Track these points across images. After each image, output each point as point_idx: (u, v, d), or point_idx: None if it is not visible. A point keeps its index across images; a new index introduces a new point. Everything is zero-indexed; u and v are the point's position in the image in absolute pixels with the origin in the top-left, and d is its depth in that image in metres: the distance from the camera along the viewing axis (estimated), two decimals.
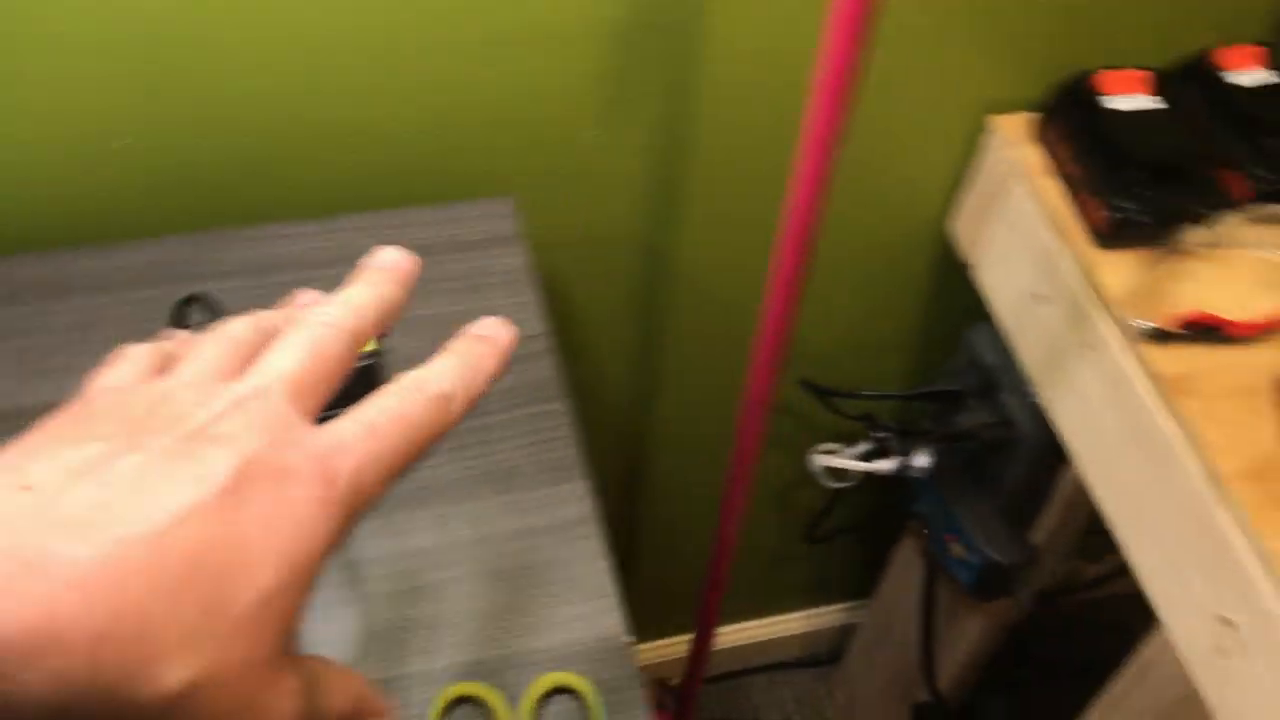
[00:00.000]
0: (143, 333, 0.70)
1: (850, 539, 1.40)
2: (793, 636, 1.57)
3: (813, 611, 1.56)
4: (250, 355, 0.33)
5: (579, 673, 0.59)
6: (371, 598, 0.62)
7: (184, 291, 0.73)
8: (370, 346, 0.65)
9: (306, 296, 0.37)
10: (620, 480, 1.18)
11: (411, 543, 0.65)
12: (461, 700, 0.59)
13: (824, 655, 1.63)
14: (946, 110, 0.90)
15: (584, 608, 0.62)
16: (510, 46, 0.77)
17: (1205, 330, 0.75)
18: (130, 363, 0.34)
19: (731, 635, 1.53)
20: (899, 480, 1.03)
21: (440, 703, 0.58)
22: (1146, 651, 0.88)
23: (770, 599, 1.50)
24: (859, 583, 1.51)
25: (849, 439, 1.18)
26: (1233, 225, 0.80)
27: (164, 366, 0.34)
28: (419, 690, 0.59)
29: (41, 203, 0.76)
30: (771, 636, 1.55)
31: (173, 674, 0.26)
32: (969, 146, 0.93)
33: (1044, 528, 1.00)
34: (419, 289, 0.74)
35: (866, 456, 1.14)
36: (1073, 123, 0.82)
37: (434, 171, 0.83)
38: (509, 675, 0.60)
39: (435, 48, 0.76)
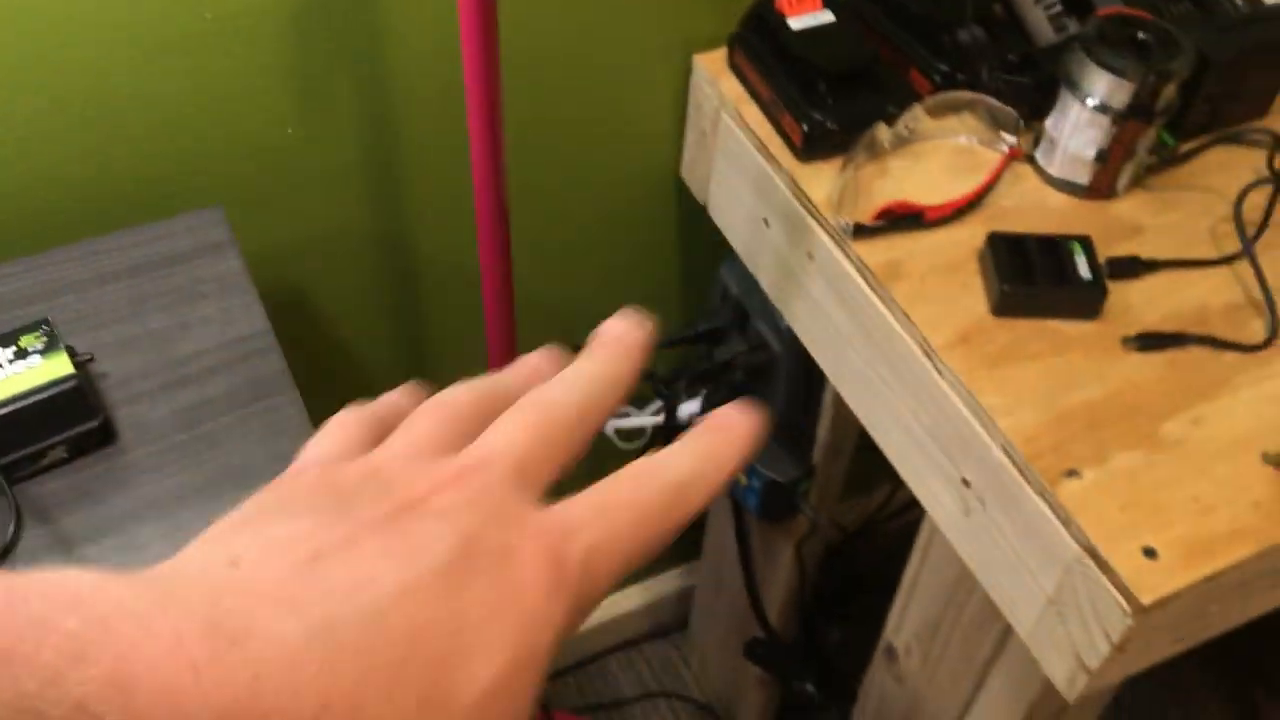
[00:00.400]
0: None
1: None
2: (636, 610, 1.58)
3: (649, 582, 1.58)
4: (470, 429, 0.30)
5: None
6: None
7: None
8: (66, 370, 0.63)
9: (532, 362, 0.34)
10: None
11: (145, 557, 0.63)
12: None
13: (671, 623, 1.65)
14: (655, 54, 0.93)
15: None
16: (183, 55, 0.76)
17: (905, 219, 0.79)
18: (341, 431, 0.31)
19: None
20: (670, 428, 1.06)
21: None
22: (922, 536, 0.93)
23: None
24: (686, 543, 1.54)
25: (639, 402, 1.21)
26: (918, 119, 0.84)
27: (378, 436, 0.31)
28: None
29: None
30: (615, 614, 1.56)
31: None
32: (682, 88, 0.96)
33: (821, 444, 1.04)
34: (134, 309, 0.73)
35: (657, 412, 1.16)
36: (759, 47, 0.86)
37: (138, 194, 0.82)
38: None
39: (106, 68, 0.74)
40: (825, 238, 0.82)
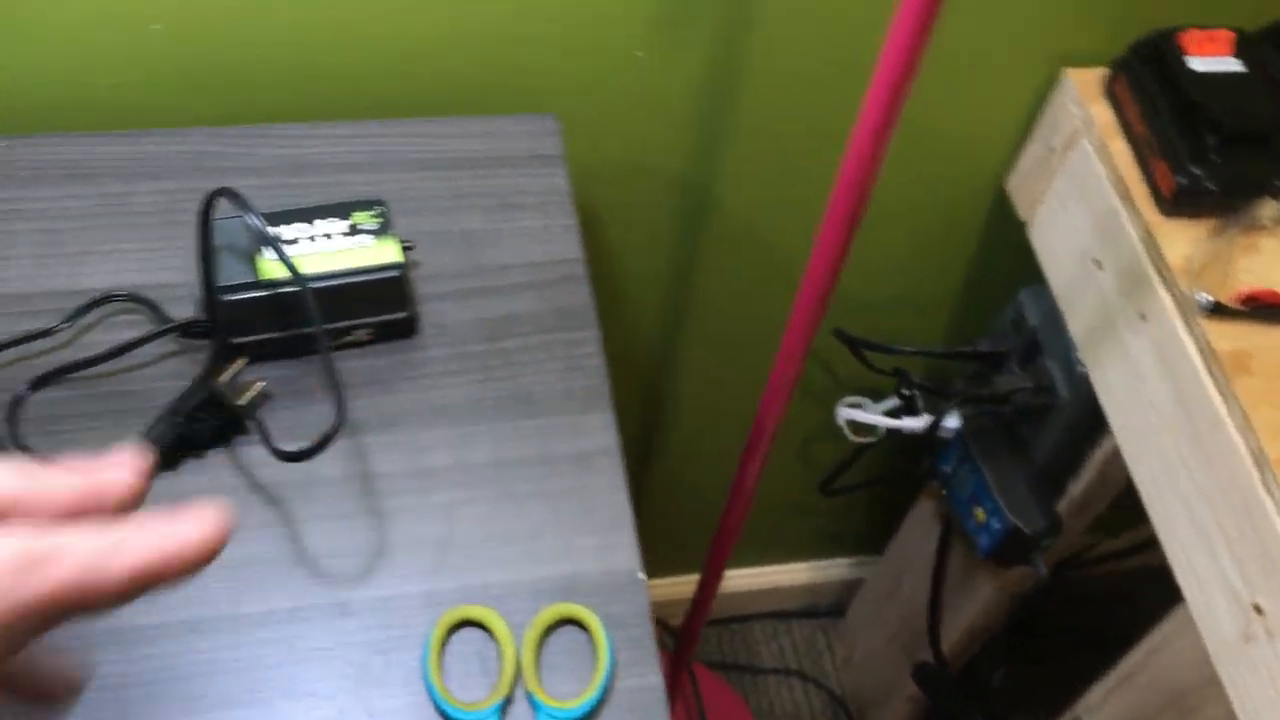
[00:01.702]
0: (166, 224, 0.68)
1: (865, 494, 1.38)
2: (797, 586, 1.56)
3: (819, 563, 1.55)
4: None
5: (588, 606, 0.58)
6: (382, 513, 0.60)
7: (212, 185, 0.71)
8: (396, 258, 0.62)
9: (111, 473, 0.32)
10: (639, 412, 1.16)
11: (427, 461, 0.63)
12: (465, 624, 0.57)
13: (826, 607, 1.62)
14: (1018, 60, 0.86)
15: (598, 540, 0.61)
16: None
17: (1267, 309, 0.72)
18: None
19: (735, 580, 1.52)
20: (923, 439, 1.01)
21: (443, 625, 0.56)
22: (1163, 630, 0.86)
23: (778, 547, 1.49)
24: (868, 538, 1.50)
25: (875, 394, 1.16)
26: None
27: None
28: (422, 611, 0.57)
29: (72, 82, 0.74)
30: (776, 585, 1.54)
31: None
32: (1037, 100, 0.89)
33: (1070, 499, 0.97)
34: (453, 203, 0.72)
35: (893, 413, 1.11)
36: (1148, 81, 0.78)
37: (473, 82, 0.80)
38: (515, 602, 0.58)
39: None
40: (1169, 303, 0.74)
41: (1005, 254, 1.00)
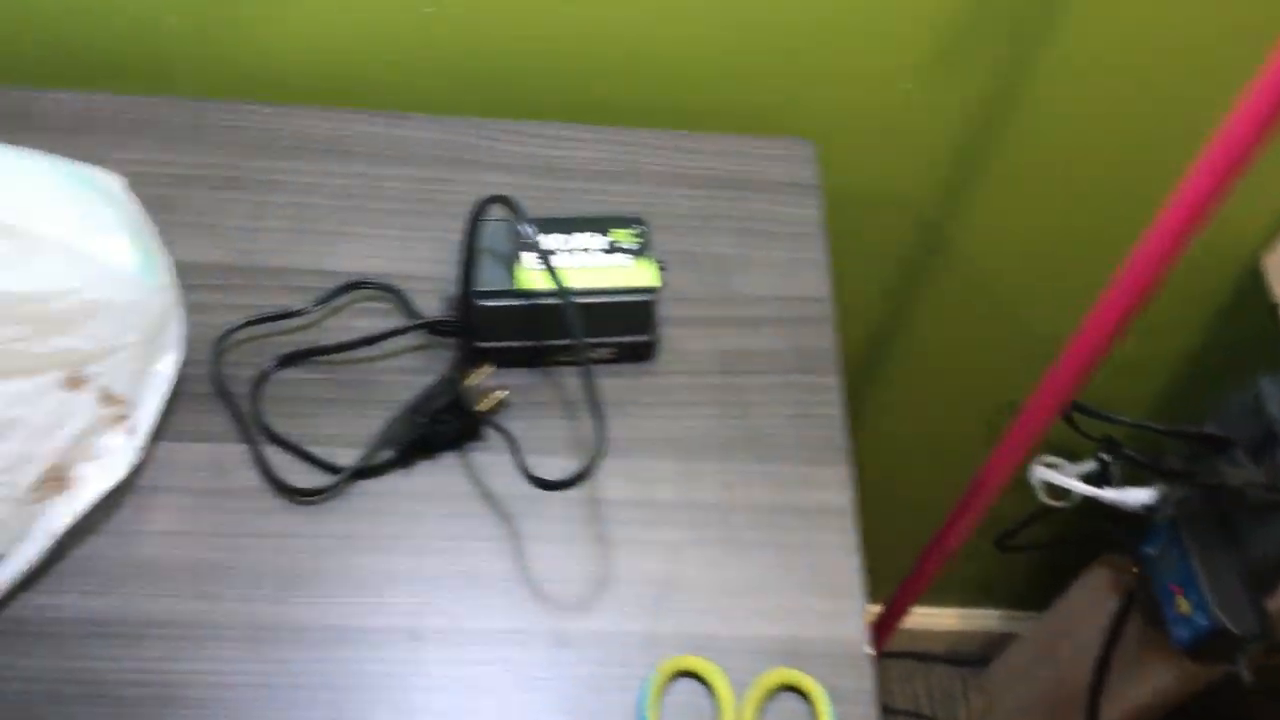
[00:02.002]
0: (416, 213, 0.68)
1: (1038, 553, 1.32)
2: (943, 631, 1.51)
3: (970, 611, 1.50)
4: None
5: (812, 674, 0.55)
6: (607, 543, 0.59)
7: (462, 177, 0.70)
8: (652, 283, 0.60)
9: None
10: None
11: (655, 493, 0.61)
12: (685, 674, 0.55)
13: (968, 656, 1.56)
14: None
15: (825, 604, 0.58)
16: None
17: None
18: None
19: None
20: (1132, 515, 0.95)
21: (664, 672, 0.54)
22: None
23: (937, 592, 1.44)
24: (1025, 593, 1.44)
25: (1069, 453, 1.10)
26: None
27: None
28: (641, 652, 0.56)
29: (337, 57, 0.74)
30: (923, 627, 1.49)
31: None
32: None
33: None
34: (704, 223, 0.70)
35: (1090, 478, 1.06)
36: None
37: (726, 96, 0.78)
38: (735, 658, 0.56)
39: None
40: None
41: (1247, 335, 0.93)
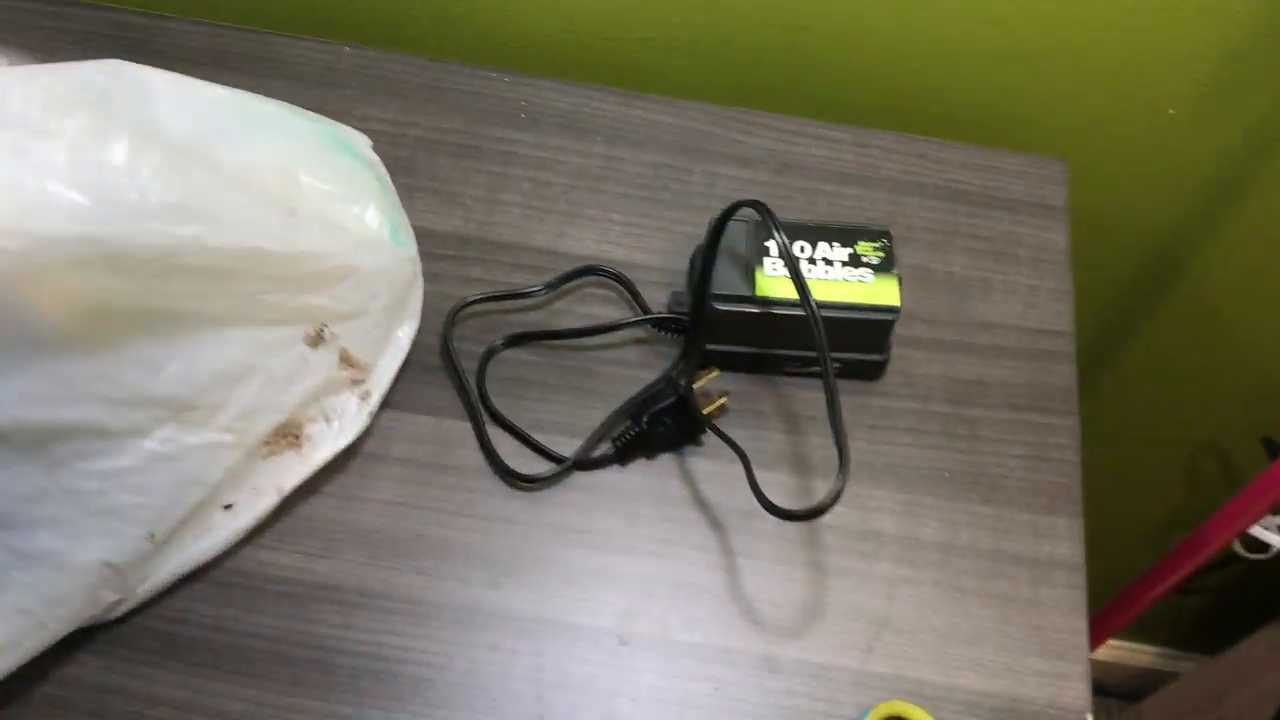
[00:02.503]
0: (649, 200, 0.66)
1: (1212, 598, 1.26)
2: (1094, 659, 1.45)
3: (1124, 643, 1.44)
4: None
5: None
6: (824, 570, 0.57)
7: (697, 166, 0.68)
8: (894, 302, 0.58)
9: None
10: None
11: (874, 523, 0.58)
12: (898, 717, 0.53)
13: (1116, 688, 1.50)
14: None
15: (1047, 665, 0.55)
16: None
17: None
18: None
19: None
20: None
21: (879, 714, 0.52)
22: None
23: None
24: (1186, 632, 1.37)
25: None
26: None
27: None
28: (851, 691, 0.54)
29: (581, 27, 0.72)
30: None
31: None
32: None
33: None
34: (943, 239, 0.67)
35: None
36: None
37: (970, 100, 0.74)
38: (949, 709, 0.53)
39: None
40: None
41: None
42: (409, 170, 0.65)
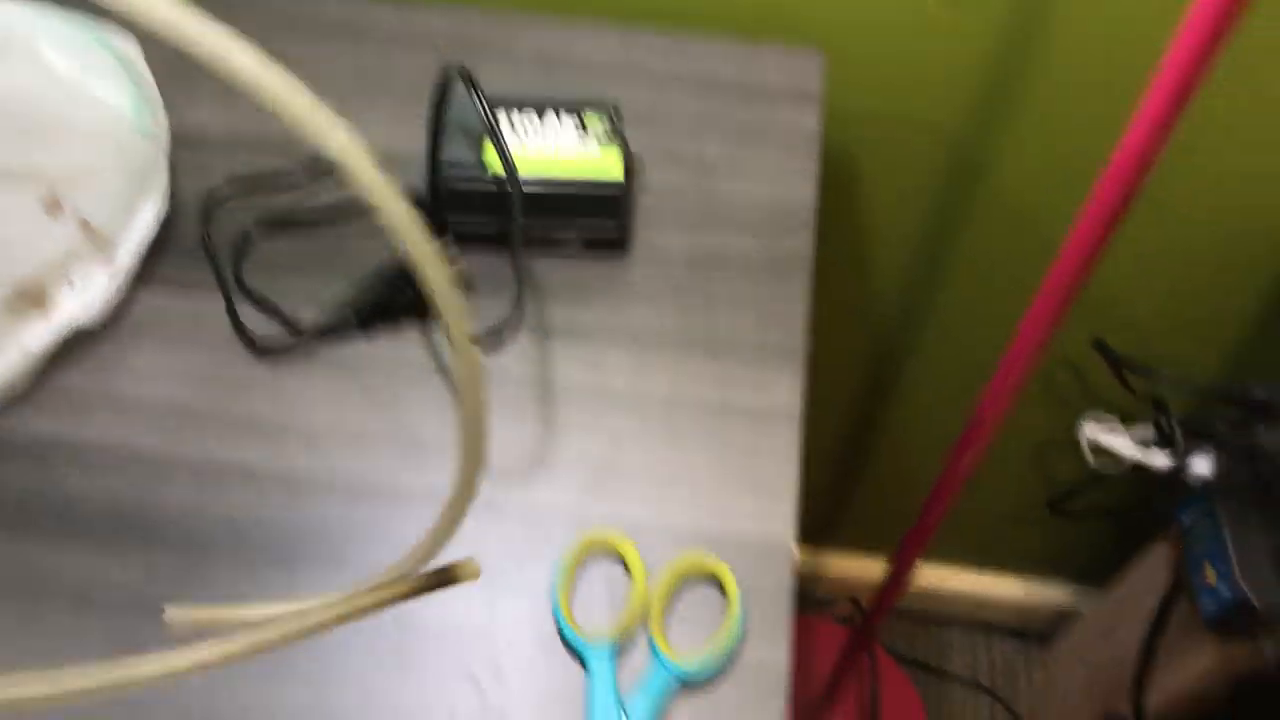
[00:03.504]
0: (420, 100, 0.69)
1: (1099, 523, 1.27)
2: (1009, 602, 1.47)
3: (1036, 584, 1.45)
4: None
5: (731, 566, 0.55)
6: (554, 424, 0.60)
7: (469, 65, 0.71)
8: (617, 175, 0.61)
9: None
10: (864, 375, 1.11)
11: (607, 381, 0.61)
12: (602, 550, 0.56)
13: (1035, 631, 1.52)
14: None
15: (757, 504, 0.58)
16: None
17: None
18: None
19: (945, 579, 1.45)
20: (1168, 480, 0.91)
21: (581, 546, 0.55)
22: None
23: (995, 556, 1.40)
24: (1094, 568, 1.39)
25: (1128, 418, 1.06)
26: None
27: None
28: (568, 528, 0.57)
29: None
30: (986, 595, 1.46)
31: None
32: None
33: None
34: (696, 124, 0.70)
35: (1145, 443, 1.01)
36: None
37: (742, 7, 0.77)
38: (657, 541, 0.56)
39: None
40: None
41: None
42: (188, 76, 0.69)
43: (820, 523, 1.39)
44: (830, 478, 1.29)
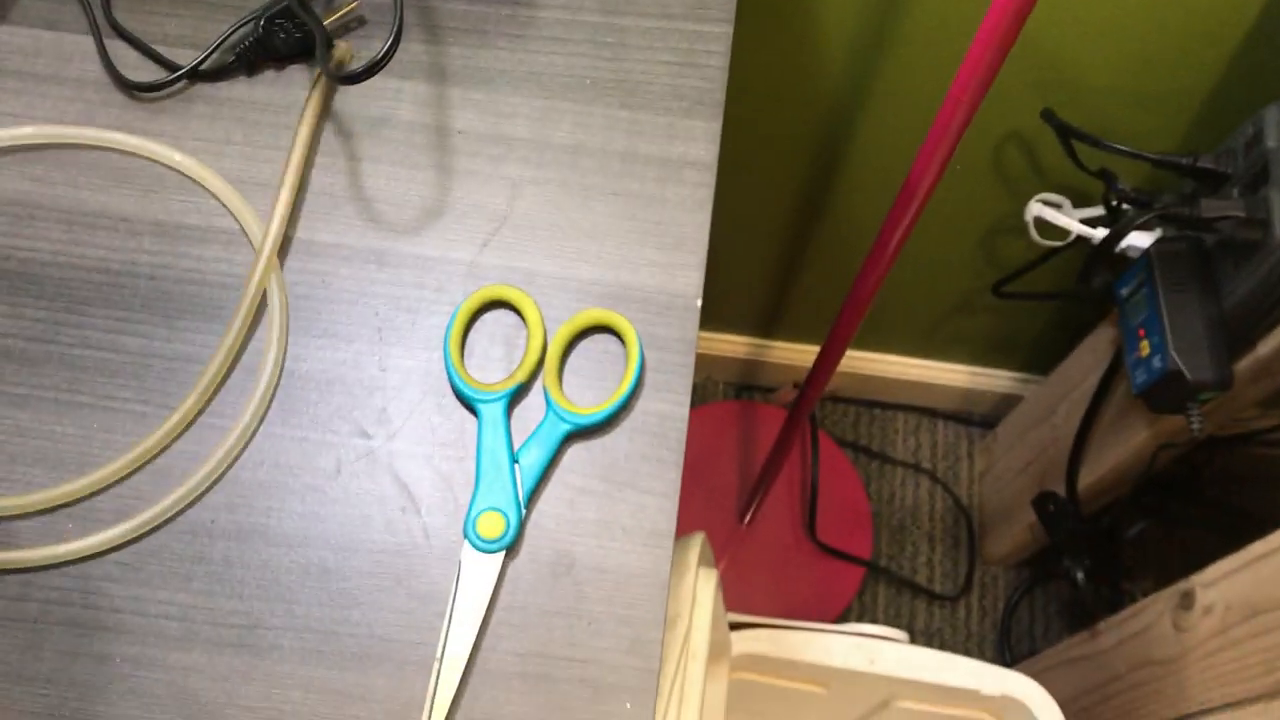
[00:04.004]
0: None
1: (1042, 307, 1.27)
2: (954, 388, 1.47)
3: (982, 370, 1.46)
4: None
5: (632, 320, 0.53)
6: (449, 171, 0.56)
7: None
8: None
9: None
10: (811, 154, 1.07)
11: (507, 128, 0.58)
12: (498, 304, 0.54)
13: (979, 417, 1.54)
14: None
15: (663, 256, 0.55)
16: None
17: None
18: None
19: (888, 365, 1.45)
20: (1107, 252, 0.89)
21: (476, 299, 0.53)
22: None
23: (940, 342, 1.40)
24: (1038, 356, 1.39)
25: (1081, 197, 1.03)
26: None
27: None
28: (461, 282, 0.54)
29: None
30: (932, 381, 1.46)
31: None
32: None
33: (1255, 359, 0.85)
34: None
35: (1091, 222, 0.99)
36: None
37: None
38: (558, 296, 0.54)
39: None
40: None
41: (1264, 65, 0.84)
42: None
43: (767, 313, 1.38)
44: (776, 269, 1.27)
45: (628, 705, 0.47)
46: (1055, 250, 1.05)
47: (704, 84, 0.59)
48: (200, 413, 0.51)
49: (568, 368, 0.53)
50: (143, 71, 0.57)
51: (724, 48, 0.60)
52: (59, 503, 0.48)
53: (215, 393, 0.51)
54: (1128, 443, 1.06)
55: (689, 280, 0.55)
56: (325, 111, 0.57)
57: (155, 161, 0.55)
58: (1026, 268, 1.11)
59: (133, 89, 0.56)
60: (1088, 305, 1.18)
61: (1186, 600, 0.92)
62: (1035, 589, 1.46)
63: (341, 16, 0.58)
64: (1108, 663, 1.06)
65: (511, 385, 0.51)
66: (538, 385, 0.52)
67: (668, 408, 0.52)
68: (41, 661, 0.47)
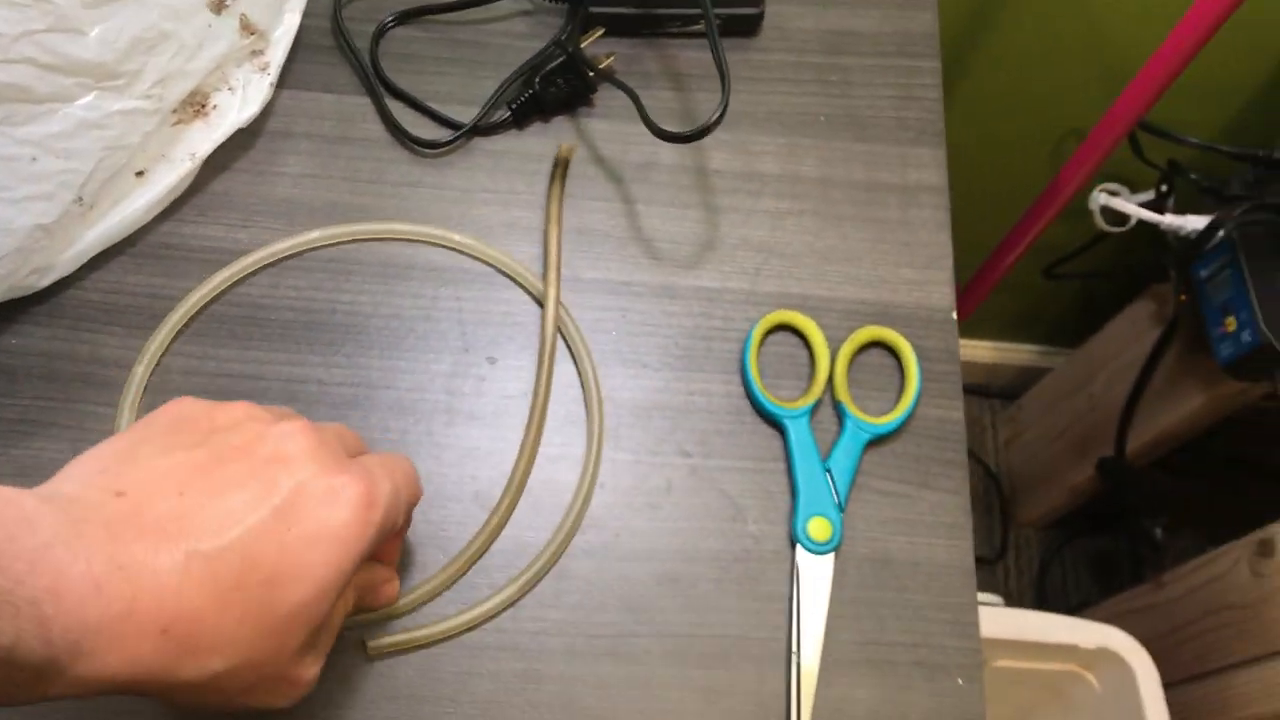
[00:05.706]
0: None
1: (1068, 285, 1.36)
2: (977, 364, 1.56)
3: (1006, 345, 1.55)
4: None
5: (901, 333, 0.59)
6: (714, 209, 0.62)
7: None
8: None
9: None
10: None
11: (758, 165, 0.63)
12: (783, 328, 0.59)
13: (998, 389, 1.63)
14: None
15: (916, 274, 0.61)
16: None
17: None
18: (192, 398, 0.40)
19: None
20: (1192, 242, 0.97)
21: (765, 324, 0.59)
22: None
23: (973, 322, 1.49)
24: (1060, 329, 1.48)
25: (1129, 181, 1.12)
26: None
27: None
28: (743, 308, 0.59)
29: None
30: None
31: (209, 664, 0.34)
32: None
33: None
34: None
35: (1149, 206, 1.08)
36: None
37: None
38: (831, 317, 0.60)
39: None
40: None
41: None
42: None
43: None
44: None
45: (959, 681, 0.53)
46: (1104, 235, 1.14)
47: (925, 115, 0.65)
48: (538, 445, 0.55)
49: (852, 381, 0.59)
50: (419, 128, 0.61)
51: (936, 80, 0.66)
52: (458, 577, 0.52)
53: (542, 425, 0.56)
54: (1184, 404, 1.16)
55: (943, 295, 0.61)
56: (597, 160, 0.62)
57: (437, 245, 0.59)
58: (1077, 250, 1.20)
59: (420, 145, 0.60)
60: (1125, 280, 1.27)
61: (1264, 548, 1.01)
62: (1063, 548, 1.56)
63: (604, 67, 0.62)
64: (1177, 610, 1.15)
65: (811, 401, 0.57)
66: (827, 399, 0.58)
67: (944, 412, 0.58)
68: (443, 683, 0.51)
